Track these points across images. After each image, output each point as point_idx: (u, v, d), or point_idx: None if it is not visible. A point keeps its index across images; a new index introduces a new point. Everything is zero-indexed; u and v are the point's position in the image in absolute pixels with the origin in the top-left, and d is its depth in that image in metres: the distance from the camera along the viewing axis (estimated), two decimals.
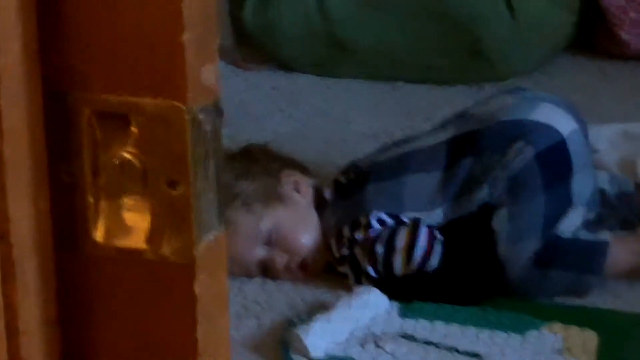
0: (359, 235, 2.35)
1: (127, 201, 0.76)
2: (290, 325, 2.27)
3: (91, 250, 0.78)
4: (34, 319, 0.79)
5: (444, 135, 2.47)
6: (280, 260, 2.39)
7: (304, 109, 3.08)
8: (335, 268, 2.39)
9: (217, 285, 0.79)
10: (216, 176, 0.77)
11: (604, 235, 2.40)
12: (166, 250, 0.76)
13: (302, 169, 2.52)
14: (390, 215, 2.38)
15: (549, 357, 2.21)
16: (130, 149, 0.75)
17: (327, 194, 2.48)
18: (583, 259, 2.37)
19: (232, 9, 3.27)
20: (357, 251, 2.35)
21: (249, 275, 2.41)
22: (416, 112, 2.77)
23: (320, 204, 2.46)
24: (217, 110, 0.76)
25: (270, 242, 2.40)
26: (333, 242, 2.39)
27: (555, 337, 2.24)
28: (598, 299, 2.35)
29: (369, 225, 2.36)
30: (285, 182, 2.45)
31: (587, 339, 2.22)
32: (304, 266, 2.41)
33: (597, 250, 2.37)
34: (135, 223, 0.77)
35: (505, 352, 2.23)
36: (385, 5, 3.23)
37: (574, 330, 2.25)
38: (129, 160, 0.75)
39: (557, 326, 2.26)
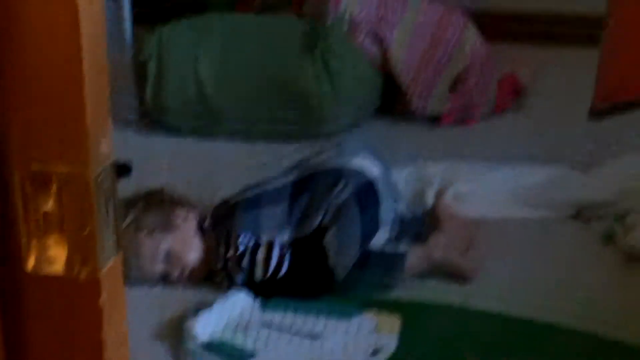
0: (230, 252, 2.41)
1: (50, 240, 0.76)
2: (184, 318, 2.27)
3: (24, 277, 0.77)
4: None
5: (288, 179, 2.56)
6: (174, 272, 2.44)
7: (187, 162, 3.06)
8: (213, 276, 2.44)
9: (117, 296, 0.80)
10: (114, 217, 0.78)
11: (402, 248, 2.49)
12: (78, 274, 0.76)
13: (188, 203, 2.54)
14: (251, 237, 2.42)
15: (367, 335, 2.24)
16: (51, 202, 0.75)
17: (207, 222, 2.51)
18: (389, 263, 2.44)
19: (137, 92, 3.22)
20: (229, 265, 2.41)
21: (153, 283, 2.44)
22: (266, 161, 2.80)
23: (202, 230, 2.49)
24: (112, 171, 0.77)
25: (167, 259, 2.43)
26: (212, 258, 2.45)
27: (371, 321, 2.28)
28: (400, 292, 2.39)
29: (236, 245, 2.41)
30: (176, 215, 2.47)
31: (393, 321, 2.28)
32: (191, 276, 2.46)
33: (398, 259, 2.44)
34: (55, 255, 0.76)
35: (337, 332, 2.25)
36: (245, 84, 3.16)
37: (384, 315, 2.30)
38: (50, 213, 0.75)
39: (372, 313, 2.30)
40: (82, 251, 0.75)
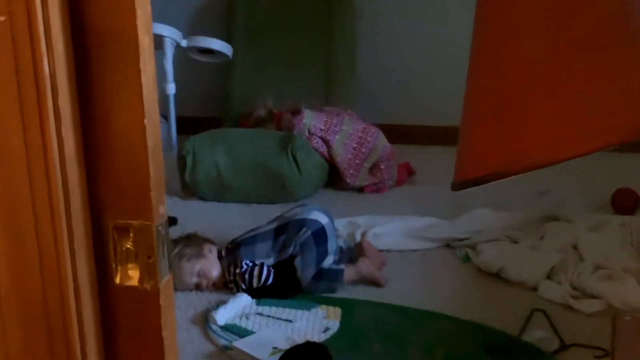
0: (238, 271, 2.38)
1: (129, 265, 0.73)
2: (209, 311, 2.27)
3: (114, 288, 0.74)
4: (93, 330, 0.75)
5: (271, 226, 2.53)
6: (203, 283, 2.42)
7: (210, 215, 3.02)
8: (227, 285, 2.41)
9: (169, 300, 0.75)
10: (167, 251, 0.74)
11: (341, 266, 2.45)
12: (147, 286, 0.73)
13: (212, 241, 2.51)
14: (250, 261, 2.40)
15: (321, 320, 2.22)
16: (129, 243, 0.72)
17: (223, 252, 2.48)
18: (333, 277, 2.41)
19: (180, 173, 3.18)
20: (237, 278, 2.39)
21: (190, 289, 2.41)
22: (260, 217, 2.73)
23: (220, 257, 2.46)
24: (166, 224, 0.74)
25: (199, 275, 2.41)
26: (226, 274, 2.42)
27: (323, 311, 2.27)
28: (340, 294, 2.38)
29: (241, 266, 2.39)
30: (204, 248, 2.45)
31: (336, 311, 2.27)
32: (214, 285, 2.43)
33: (339, 273, 2.42)
34: (133, 275, 0.73)
35: (302, 318, 2.22)
36: (245, 170, 3.11)
37: (331, 307, 2.29)
38: (129, 248, 0.72)
39: (324, 306, 2.29)
40: (149, 272, 0.73)
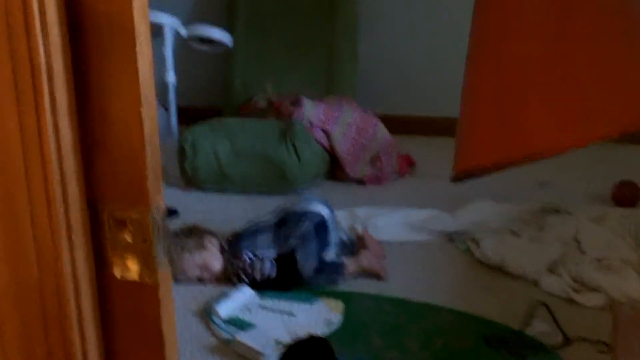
0: (239, 263, 2.38)
1: (127, 257, 0.72)
2: (211, 303, 2.25)
3: (112, 281, 0.74)
4: (91, 321, 0.75)
5: (272, 218, 2.52)
6: (205, 276, 2.40)
7: (211, 206, 3.01)
8: (230, 277, 2.39)
9: (167, 291, 0.74)
10: (165, 243, 0.73)
11: (343, 259, 2.45)
12: (144, 278, 0.72)
13: (213, 233, 2.47)
14: (251, 252, 2.39)
15: (323, 313, 2.21)
16: (127, 234, 0.71)
17: (224, 243, 2.46)
18: (335, 269, 2.41)
19: (179, 162, 3.15)
20: (239, 270, 2.38)
21: (192, 282, 2.38)
22: (261, 208, 2.72)
23: (221, 249, 2.43)
24: (164, 214, 0.73)
25: (201, 267, 2.39)
26: (228, 266, 2.41)
27: (325, 304, 2.26)
28: (342, 286, 2.37)
29: (243, 259, 2.38)
30: (205, 240, 2.42)
31: (338, 304, 2.26)
32: (215, 278, 2.41)
33: (340, 266, 2.41)
34: (131, 267, 0.72)
35: (304, 311, 2.22)
36: (245, 160, 3.07)
37: (332, 300, 2.28)
38: (126, 239, 0.72)
39: (326, 299, 2.28)
40: (146, 263, 0.72)
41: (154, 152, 0.71)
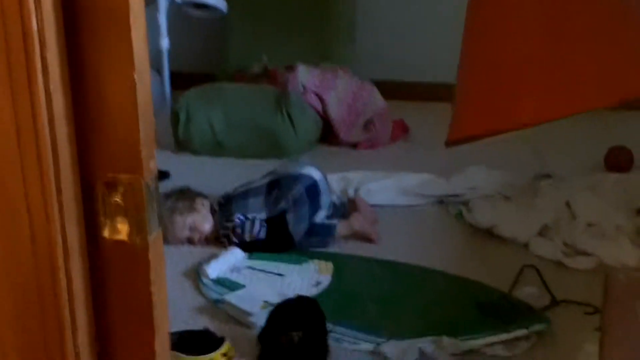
0: (229, 224, 2.39)
1: (118, 219, 0.73)
2: (201, 264, 2.26)
3: (102, 241, 0.74)
4: (81, 283, 0.75)
5: (264, 181, 2.51)
6: (195, 237, 2.41)
7: (203, 170, 3.02)
8: (219, 239, 2.41)
9: (159, 254, 0.75)
10: (156, 206, 0.74)
11: (334, 221, 2.46)
12: (135, 240, 0.73)
13: (204, 195, 2.49)
14: (242, 214, 2.39)
15: (312, 274, 2.22)
16: (119, 197, 0.72)
17: (215, 205, 2.47)
18: (326, 231, 2.42)
19: (173, 128, 3.15)
20: (229, 232, 2.39)
21: (182, 243, 2.40)
22: (253, 172, 2.64)
23: (212, 211, 2.45)
24: (156, 178, 0.74)
25: (191, 229, 2.40)
26: (219, 228, 2.42)
27: (315, 265, 2.26)
28: (332, 248, 2.39)
29: (234, 221, 2.39)
30: (197, 202, 2.44)
31: (328, 266, 2.26)
32: (205, 239, 2.43)
33: (331, 228, 2.43)
34: (121, 229, 0.73)
35: (294, 272, 2.22)
36: (239, 126, 3.09)
37: (322, 262, 2.28)
38: (118, 202, 0.72)
39: (316, 260, 2.29)
40: (138, 226, 0.73)
41: (148, 121, 0.72)
